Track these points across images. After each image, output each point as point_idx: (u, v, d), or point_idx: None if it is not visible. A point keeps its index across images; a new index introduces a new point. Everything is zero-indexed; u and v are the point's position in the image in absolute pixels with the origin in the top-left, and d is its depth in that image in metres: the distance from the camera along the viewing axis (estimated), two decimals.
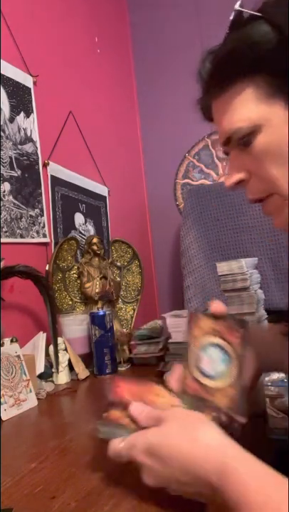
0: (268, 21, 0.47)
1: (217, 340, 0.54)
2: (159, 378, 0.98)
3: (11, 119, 1.22)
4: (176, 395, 0.51)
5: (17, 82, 1.26)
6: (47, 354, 1.07)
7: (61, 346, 1.09)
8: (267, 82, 0.47)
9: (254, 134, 0.49)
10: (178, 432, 0.44)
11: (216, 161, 1.97)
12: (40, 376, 1.01)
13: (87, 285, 1.30)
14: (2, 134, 1.18)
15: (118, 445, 0.47)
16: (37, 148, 1.31)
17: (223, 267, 1.15)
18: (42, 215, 1.30)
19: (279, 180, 0.49)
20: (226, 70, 0.50)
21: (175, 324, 1.20)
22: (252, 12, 0.48)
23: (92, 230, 1.58)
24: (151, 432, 0.46)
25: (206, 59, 0.52)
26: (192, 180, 2.02)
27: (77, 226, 1.50)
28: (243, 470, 0.40)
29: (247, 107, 0.49)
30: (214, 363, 0.53)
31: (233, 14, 0.49)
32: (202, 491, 0.42)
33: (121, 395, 0.52)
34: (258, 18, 0.48)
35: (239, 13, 0.49)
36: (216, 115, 0.53)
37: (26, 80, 1.30)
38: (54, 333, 1.08)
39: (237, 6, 0.49)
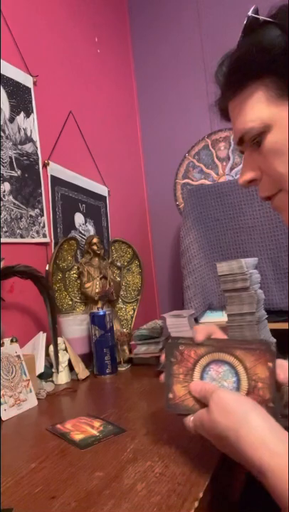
0: (278, 26, 0.49)
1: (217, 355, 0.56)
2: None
3: (11, 119, 1.22)
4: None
5: (17, 82, 1.26)
6: (47, 354, 1.07)
7: (61, 346, 1.09)
8: (276, 84, 0.50)
9: (264, 134, 0.51)
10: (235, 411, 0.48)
11: (216, 161, 1.97)
12: (40, 376, 1.01)
13: (87, 285, 1.30)
14: (2, 134, 1.18)
15: (189, 423, 0.53)
16: (37, 148, 1.31)
17: (223, 267, 1.15)
18: (42, 215, 1.30)
19: (285, 177, 0.51)
20: (238, 74, 0.53)
21: (175, 324, 1.20)
22: (263, 18, 0.51)
23: (92, 230, 1.58)
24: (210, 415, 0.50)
25: (223, 63, 0.56)
26: (192, 180, 2.02)
27: (77, 226, 1.50)
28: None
29: (258, 108, 0.52)
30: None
31: (246, 20, 0.52)
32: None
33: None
34: (269, 24, 0.50)
35: (252, 19, 0.52)
36: (232, 116, 0.57)
37: (26, 80, 1.30)
38: (54, 333, 1.08)
39: (250, 13, 0.51)
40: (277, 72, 0.50)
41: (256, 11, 0.51)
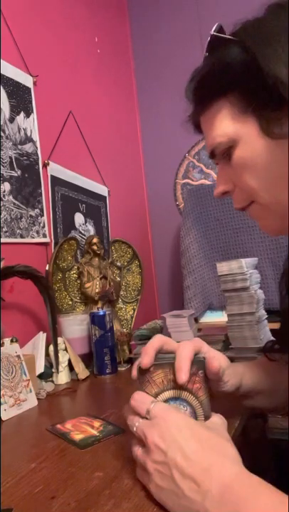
0: (239, 44, 0.50)
1: (175, 393, 0.51)
2: None
3: (11, 119, 1.22)
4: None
5: (17, 82, 1.26)
6: (47, 354, 1.07)
7: (61, 346, 1.09)
8: (240, 100, 0.51)
9: (232, 149, 0.53)
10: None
11: None
12: (40, 376, 1.01)
13: (87, 285, 1.30)
14: (2, 134, 1.18)
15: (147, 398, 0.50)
16: (37, 148, 1.31)
17: (223, 267, 1.15)
18: (42, 215, 1.30)
19: (255, 190, 0.53)
20: (205, 90, 0.55)
21: (175, 324, 1.20)
22: (226, 36, 0.52)
23: (92, 230, 1.58)
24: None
25: (192, 79, 0.58)
26: (192, 180, 2.02)
27: (77, 226, 1.50)
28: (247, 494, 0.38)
29: (224, 123, 0.53)
30: None
31: (209, 38, 0.54)
32: (192, 499, 0.41)
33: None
34: (231, 42, 0.51)
35: (215, 37, 0.53)
36: (203, 130, 0.59)
37: (26, 80, 1.30)
38: (54, 333, 1.08)
39: (213, 31, 0.53)
40: (239, 89, 0.51)
41: (219, 29, 0.53)
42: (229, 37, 0.52)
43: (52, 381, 1.04)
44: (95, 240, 1.35)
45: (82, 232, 1.52)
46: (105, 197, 1.71)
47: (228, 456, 0.43)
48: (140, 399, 0.50)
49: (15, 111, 1.24)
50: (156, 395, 0.51)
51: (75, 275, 1.34)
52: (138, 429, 0.47)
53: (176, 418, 0.46)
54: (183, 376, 0.49)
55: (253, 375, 0.67)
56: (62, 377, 1.07)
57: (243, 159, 0.52)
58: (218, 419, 0.51)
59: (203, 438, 0.44)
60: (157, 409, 0.47)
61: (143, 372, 0.52)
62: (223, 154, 0.55)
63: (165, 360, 0.52)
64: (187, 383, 0.50)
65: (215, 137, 0.54)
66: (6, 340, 0.91)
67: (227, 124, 0.53)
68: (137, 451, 0.48)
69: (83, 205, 1.55)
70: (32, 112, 1.31)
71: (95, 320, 1.15)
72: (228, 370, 0.61)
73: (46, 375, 1.03)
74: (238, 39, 0.51)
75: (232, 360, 0.65)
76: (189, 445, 0.43)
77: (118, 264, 1.48)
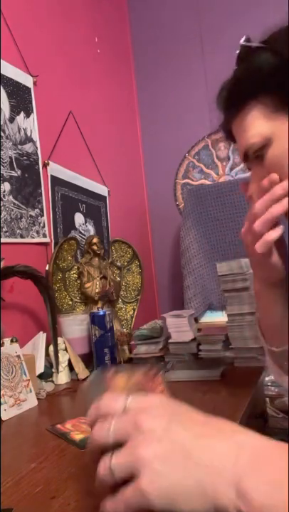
0: (269, 49, 0.55)
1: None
2: None
3: (11, 119, 1.22)
4: None
5: (17, 82, 1.26)
6: (47, 354, 1.07)
7: (61, 346, 1.09)
8: (272, 100, 0.54)
9: (266, 148, 0.55)
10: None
11: (216, 161, 1.97)
12: (40, 376, 1.01)
13: (87, 285, 1.30)
14: (2, 134, 1.18)
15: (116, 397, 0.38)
16: (37, 148, 1.31)
17: (223, 267, 1.15)
18: (42, 215, 1.30)
19: None
20: (236, 95, 0.58)
21: (175, 324, 1.20)
22: (255, 44, 0.57)
23: (92, 230, 1.58)
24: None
25: (222, 89, 0.61)
26: (192, 180, 2.02)
27: (77, 226, 1.50)
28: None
29: (257, 123, 0.56)
30: None
31: (239, 49, 0.58)
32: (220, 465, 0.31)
33: None
34: (260, 48, 0.56)
35: (244, 48, 0.57)
36: (235, 136, 0.61)
37: (26, 80, 1.30)
38: (54, 333, 1.08)
39: (242, 41, 0.57)
40: (271, 89, 0.54)
41: (248, 40, 0.57)
42: (259, 44, 0.56)
43: (52, 381, 1.04)
44: (95, 240, 1.35)
45: (82, 232, 1.52)
46: (105, 197, 1.71)
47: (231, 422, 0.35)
48: (109, 399, 0.38)
49: (15, 111, 1.24)
50: None
51: (75, 275, 1.34)
52: (117, 429, 0.35)
53: (165, 399, 0.38)
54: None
55: None
56: (63, 377, 1.07)
57: (277, 157, 0.55)
58: None
59: (201, 416, 0.36)
60: (137, 400, 0.37)
61: (99, 381, 0.46)
62: (256, 155, 0.57)
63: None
64: (150, 386, 0.45)
65: (249, 138, 0.56)
66: (6, 340, 0.91)
67: (260, 123, 0.55)
68: (116, 456, 0.34)
69: (83, 205, 1.55)
70: (32, 111, 1.31)
71: (95, 320, 1.14)
72: None
73: (46, 375, 1.03)
74: (268, 46, 0.55)
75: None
76: (194, 415, 0.36)
77: (118, 264, 1.48)
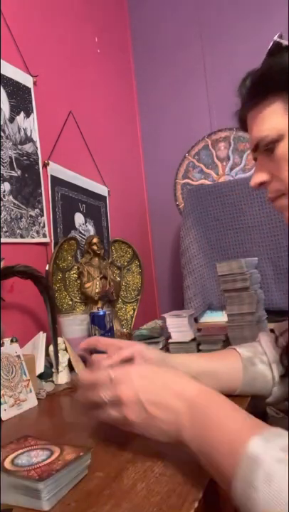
0: None
1: None
2: None
3: (11, 119, 1.22)
4: None
5: (17, 82, 1.26)
6: (47, 354, 1.07)
7: (61, 346, 1.09)
8: None
9: (278, 142, 0.59)
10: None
11: (216, 161, 1.97)
12: (40, 376, 1.01)
13: (87, 285, 1.30)
14: (2, 134, 1.18)
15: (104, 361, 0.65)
16: (37, 148, 1.31)
17: (223, 267, 1.15)
18: (42, 215, 1.30)
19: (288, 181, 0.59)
20: (260, 87, 0.61)
21: (175, 324, 1.20)
22: (286, 43, 0.61)
23: (92, 230, 1.58)
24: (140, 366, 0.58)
25: (246, 79, 0.64)
26: (192, 180, 2.02)
27: (77, 226, 1.50)
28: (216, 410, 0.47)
29: (274, 118, 0.59)
30: None
31: (271, 43, 0.62)
32: (169, 421, 0.49)
33: None
34: None
35: (276, 43, 0.61)
36: (249, 124, 0.64)
37: (26, 80, 1.30)
38: (54, 333, 1.08)
39: (276, 38, 0.61)
40: None
41: (281, 36, 0.61)
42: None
43: (52, 381, 1.04)
44: (95, 240, 1.35)
45: (82, 232, 1.52)
46: (105, 197, 1.71)
47: (184, 377, 0.52)
48: (96, 372, 0.56)
49: (15, 111, 1.24)
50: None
51: (75, 275, 1.34)
52: (110, 398, 0.53)
53: (136, 368, 0.55)
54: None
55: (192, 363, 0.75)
56: (63, 377, 1.06)
57: (286, 153, 0.59)
58: None
59: (160, 372, 0.54)
60: (118, 371, 0.54)
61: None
62: (267, 147, 0.60)
63: None
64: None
65: (263, 130, 0.60)
66: (6, 340, 0.90)
67: (277, 118, 0.59)
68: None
69: (83, 205, 1.55)
70: (32, 112, 1.31)
71: (95, 320, 1.15)
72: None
73: (46, 375, 1.03)
74: None
75: None
76: (150, 382, 0.52)
77: (118, 264, 1.48)
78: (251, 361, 0.72)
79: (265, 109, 0.60)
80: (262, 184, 0.64)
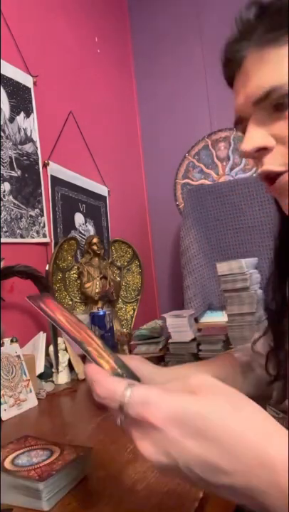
0: None
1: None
2: None
3: (11, 119, 1.22)
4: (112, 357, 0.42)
5: (17, 82, 1.26)
6: (47, 354, 1.07)
7: (61, 346, 1.09)
8: None
9: None
10: (224, 407, 0.30)
11: (216, 161, 1.97)
12: (40, 376, 1.01)
13: (87, 285, 1.30)
14: (2, 134, 1.18)
15: (116, 386, 0.34)
16: (37, 148, 1.31)
17: (223, 267, 1.15)
18: (42, 215, 1.30)
19: None
20: (281, 17, 0.43)
21: (175, 324, 1.20)
22: None
23: (92, 230, 1.58)
24: (183, 397, 0.31)
25: (252, 5, 0.46)
26: (192, 180, 2.02)
27: (77, 226, 1.50)
28: None
29: None
30: None
31: None
32: (243, 485, 0.28)
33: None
34: None
35: None
36: (251, 66, 0.45)
37: (26, 80, 1.30)
38: (54, 333, 1.08)
39: None
40: None
41: None
42: None
43: (52, 381, 1.04)
44: (95, 240, 1.35)
45: (82, 232, 1.52)
46: (105, 197, 1.71)
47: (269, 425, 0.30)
48: (106, 386, 0.36)
49: (15, 111, 1.24)
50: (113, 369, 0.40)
51: (75, 275, 1.34)
52: (125, 428, 0.33)
53: (167, 410, 0.30)
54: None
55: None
56: (63, 377, 1.07)
57: None
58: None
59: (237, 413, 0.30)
60: (134, 405, 0.32)
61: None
62: (279, 99, 0.43)
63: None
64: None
65: (282, 75, 0.42)
66: (6, 340, 0.91)
67: None
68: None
69: (83, 205, 1.55)
70: (32, 111, 1.31)
71: (95, 320, 1.14)
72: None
73: (46, 375, 1.03)
74: None
75: None
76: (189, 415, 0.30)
77: (118, 264, 1.48)
78: (250, 366, 0.67)
79: (282, 50, 0.42)
80: (260, 151, 0.45)
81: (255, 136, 0.45)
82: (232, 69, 0.48)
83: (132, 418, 0.32)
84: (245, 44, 0.46)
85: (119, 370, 0.40)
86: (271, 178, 0.46)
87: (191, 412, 0.30)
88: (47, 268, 1.26)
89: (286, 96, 0.42)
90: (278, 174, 0.45)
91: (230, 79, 0.50)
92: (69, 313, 0.45)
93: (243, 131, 0.48)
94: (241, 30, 0.48)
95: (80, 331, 0.43)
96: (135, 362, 0.53)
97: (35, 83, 1.33)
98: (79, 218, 1.51)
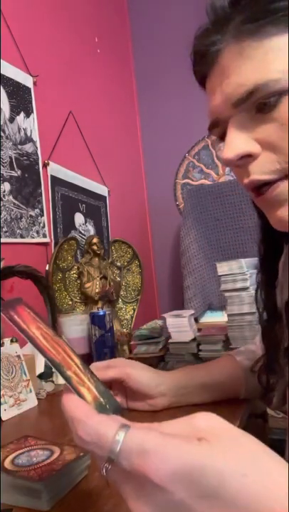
0: None
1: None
2: None
3: (11, 119, 1.22)
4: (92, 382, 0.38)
5: (17, 82, 1.26)
6: None
7: None
8: None
9: (283, 95, 0.37)
10: (241, 460, 0.26)
11: (216, 161, 1.97)
12: (40, 376, 1.01)
13: (87, 285, 1.30)
14: (2, 134, 1.18)
15: (105, 428, 0.28)
16: (37, 148, 1.31)
17: (223, 267, 1.15)
18: (42, 215, 1.30)
19: None
20: (261, 4, 0.38)
21: (175, 324, 1.20)
22: None
23: (92, 230, 1.58)
24: (189, 446, 0.26)
25: None
26: (192, 180, 2.02)
27: (77, 226, 1.50)
28: None
29: (284, 56, 0.37)
30: None
31: None
32: None
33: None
34: None
35: None
36: (229, 62, 0.40)
37: (26, 80, 1.30)
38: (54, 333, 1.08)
39: None
40: None
41: None
42: None
43: (52, 381, 1.04)
44: (95, 240, 1.35)
45: (82, 232, 1.52)
46: (105, 197, 1.71)
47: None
48: (92, 428, 0.30)
49: (15, 111, 1.24)
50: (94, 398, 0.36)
51: (75, 275, 1.34)
52: (112, 480, 0.28)
53: (167, 466, 0.25)
54: None
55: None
56: None
57: None
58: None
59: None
60: (128, 455, 0.26)
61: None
62: (268, 98, 0.38)
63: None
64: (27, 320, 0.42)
65: (270, 72, 0.37)
66: (6, 340, 0.90)
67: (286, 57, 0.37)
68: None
69: (83, 205, 1.55)
70: (32, 112, 1.31)
71: (95, 320, 1.15)
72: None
73: (46, 375, 1.03)
74: None
75: None
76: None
77: (118, 264, 1.48)
78: (251, 370, 0.67)
79: (275, 40, 0.37)
80: (243, 158, 0.40)
81: (238, 141, 0.40)
82: (205, 65, 0.43)
83: (125, 471, 0.26)
84: (221, 36, 0.41)
85: (101, 400, 0.35)
86: (258, 187, 0.41)
87: (201, 466, 0.25)
88: (47, 268, 1.26)
89: (274, 94, 0.37)
90: (266, 184, 0.41)
91: (203, 77, 0.45)
92: (44, 325, 0.41)
93: (221, 136, 0.43)
94: (215, 20, 0.43)
95: (57, 349, 0.39)
96: (136, 371, 0.57)
97: (35, 83, 1.33)
98: (79, 218, 1.51)
